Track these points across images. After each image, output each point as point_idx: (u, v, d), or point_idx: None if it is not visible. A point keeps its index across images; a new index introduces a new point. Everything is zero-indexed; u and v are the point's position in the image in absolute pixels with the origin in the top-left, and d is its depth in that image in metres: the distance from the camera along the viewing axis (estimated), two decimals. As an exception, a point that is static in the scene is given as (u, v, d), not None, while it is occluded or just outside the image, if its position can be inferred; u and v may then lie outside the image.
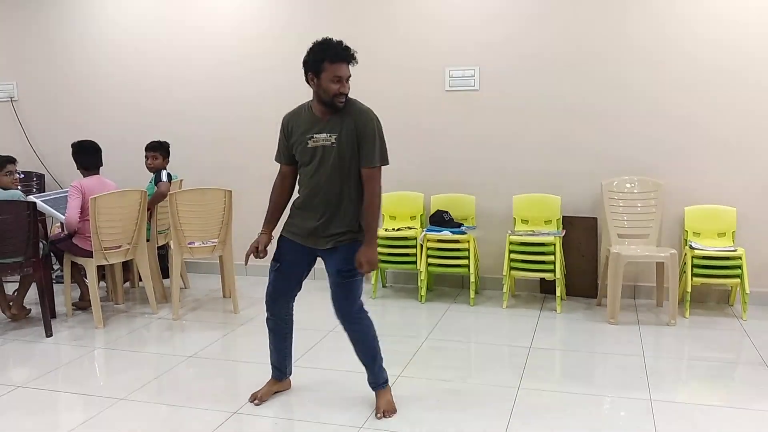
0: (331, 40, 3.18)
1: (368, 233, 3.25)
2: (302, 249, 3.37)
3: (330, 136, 3.20)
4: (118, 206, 5.00)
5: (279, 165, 3.46)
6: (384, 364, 3.51)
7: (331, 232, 3.28)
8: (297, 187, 3.44)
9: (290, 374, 3.74)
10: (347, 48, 3.15)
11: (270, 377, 3.70)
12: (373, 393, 3.53)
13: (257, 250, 3.44)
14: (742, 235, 5.19)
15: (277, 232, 3.49)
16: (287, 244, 3.41)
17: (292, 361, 3.74)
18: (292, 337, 3.65)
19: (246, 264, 3.49)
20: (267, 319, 3.55)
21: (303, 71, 3.21)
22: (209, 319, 5.20)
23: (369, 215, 3.25)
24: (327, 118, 3.22)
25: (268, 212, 3.51)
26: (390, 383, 3.56)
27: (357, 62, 3.18)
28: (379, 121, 3.26)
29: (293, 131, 3.31)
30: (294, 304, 3.56)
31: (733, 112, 5.20)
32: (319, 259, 3.44)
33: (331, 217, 3.27)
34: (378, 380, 3.51)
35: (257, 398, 3.60)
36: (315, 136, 3.22)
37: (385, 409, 3.44)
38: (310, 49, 3.18)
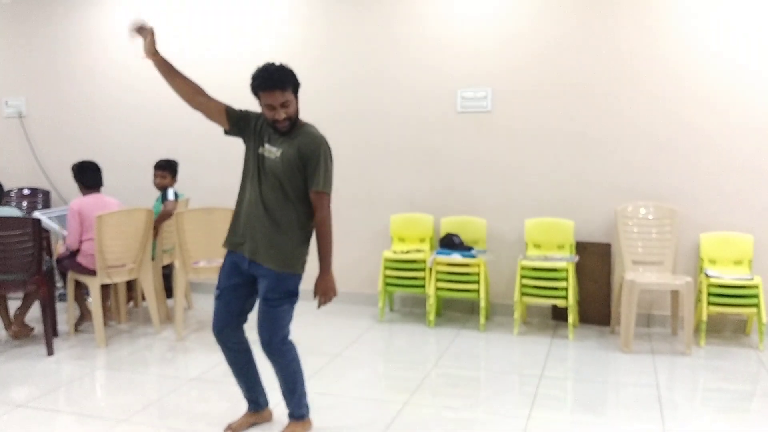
0: (263, 68, 3.09)
1: (323, 261, 3.16)
2: (242, 267, 3.24)
3: (276, 151, 3.14)
4: (124, 224, 4.95)
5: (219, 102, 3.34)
6: (380, 394, 3.36)
7: (273, 245, 3.15)
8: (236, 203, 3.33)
9: (266, 405, 3.56)
10: (274, 74, 3.06)
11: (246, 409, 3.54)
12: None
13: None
14: (759, 263, 5.08)
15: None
16: (228, 264, 3.32)
17: (265, 391, 3.55)
18: (254, 366, 3.46)
19: None
20: (220, 349, 3.43)
21: None
22: (212, 340, 5.08)
23: (320, 242, 3.16)
24: (280, 134, 3.16)
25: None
26: (397, 410, 3.44)
27: (293, 85, 3.10)
28: (329, 148, 3.19)
29: (255, 127, 3.24)
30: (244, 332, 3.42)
31: (750, 137, 5.12)
32: None
33: (271, 231, 3.15)
34: (294, 411, 3.39)
35: (231, 429, 3.44)
36: (266, 145, 3.18)
37: None
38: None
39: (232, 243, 3.28)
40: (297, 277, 3.22)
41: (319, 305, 3.23)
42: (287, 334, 3.27)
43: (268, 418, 3.56)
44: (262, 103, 3.09)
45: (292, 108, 3.11)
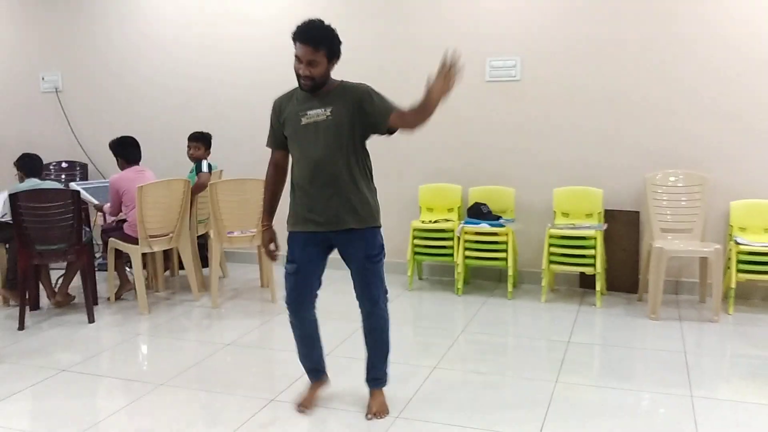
0: (307, 20, 3.03)
1: (421, 102, 2.96)
2: (316, 241, 3.19)
3: (325, 110, 3.07)
4: (163, 195, 5.10)
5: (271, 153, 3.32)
6: (409, 359, 3.40)
7: (352, 205, 3.11)
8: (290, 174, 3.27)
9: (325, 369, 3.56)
10: (312, 30, 3.00)
11: (310, 383, 3.50)
12: (368, 391, 3.41)
13: (270, 252, 3.32)
14: (789, 231, 5.05)
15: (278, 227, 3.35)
16: (299, 239, 3.22)
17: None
18: (320, 335, 3.45)
19: (274, 260, 3.39)
20: (293, 326, 3.37)
21: None
22: (247, 308, 5.25)
23: (415, 106, 2.99)
24: (319, 96, 3.09)
25: (265, 203, 3.35)
26: (425, 375, 3.53)
27: (328, 48, 3.00)
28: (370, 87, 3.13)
29: (284, 111, 3.19)
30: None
31: (783, 104, 5.06)
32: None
33: (342, 192, 3.09)
34: (383, 377, 3.39)
35: (305, 407, 3.40)
36: (308, 112, 3.09)
37: (378, 410, 3.33)
38: None
39: (303, 222, 3.19)
40: (380, 230, 3.22)
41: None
42: (387, 290, 3.31)
43: (327, 381, 3.54)
44: (295, 52, 3.03)
45: (318, 70, 3.00)
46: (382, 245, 3.23)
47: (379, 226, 3.22)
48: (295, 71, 3.06)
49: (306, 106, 3.11)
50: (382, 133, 3.13)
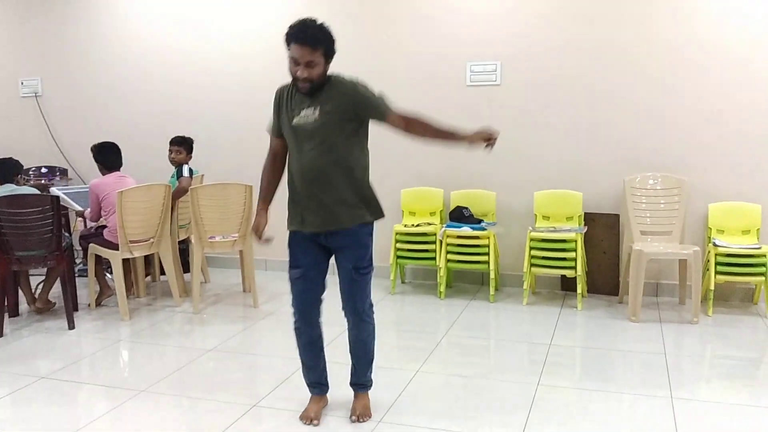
0: (302, 20, 2.95)
1: (445, 131, 3.07)
2: (316, 242, 3.15)
3: (314, 111, 3.01)
4: (144, 200, 5.07)
5: (269, 140, 3.29)
6: (392, 363, 3.37)
7: (345, 204, 3.09)
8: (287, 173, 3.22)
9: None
10: (309, 29, 2.92)
11: (311, 396, 3.41)
12: (352, 394, 3.41)
13: (257, 233, 3.26)
14: (766, 233, 5.12)
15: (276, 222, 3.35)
16: (299, 240, 3.18)
17: None
18: (323, 344, 3.38)
19: (260, 240, 3.31)
20: (300, 332, 3.28)
21: None
22: (229, 313, 5.24)
23: (431, 126, 3.06)
24: (311, 95, 3.03)
25: (261, 191, 3.29)
26: (408, 378, 3.54)
27: (326, 48, 2.95)
28: (365, 83, 3.07)
29: (281, 104, 3.15)
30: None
31: (759, 108, 5.13)
32: None
33: (334, 192, 3.06)
34: (367, 382, 3.39)
35: (314, 419, 3.31)
36: (300, 112, 3.04)
37: (362, 413, 3.32)
38: None
39: (300, 222, 3.14)
40: (370, 235, 3.19)
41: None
42: (372, 303, 3.29)
43: (326, 400, 3.47)
44: (289, 54, 2.94)
45: (317, 71, 2.94)
46: (371, 257, 3.20)
47: (369, 222, 3.17)
48: (292, 74, 2.98)
49: (298, 106, 3.07)
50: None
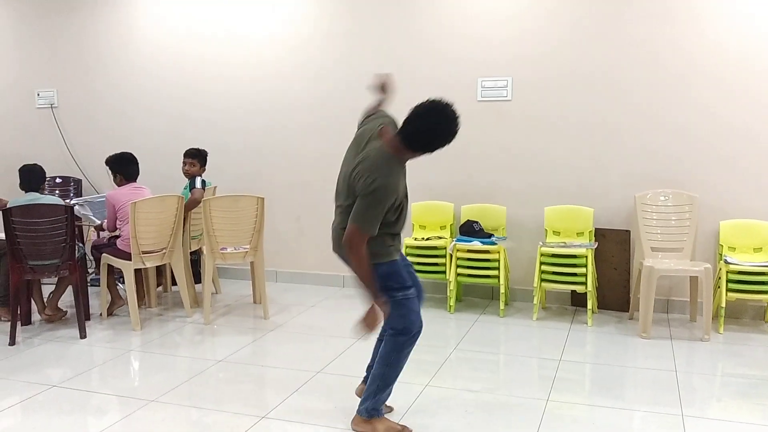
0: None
1: (364, 277, 3.08)
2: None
3: None
4: (157, 211, 5.11)
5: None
6: (401, 377, 3.34)
7: None
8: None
9: None
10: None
11: (383, 415, 3.42)
12: (392, 407, 3.48)
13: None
14: (779, 251, 5.10)
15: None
16: (399, 265, 3.25)
17: None
18: None
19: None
20: (409, 348, 3.32)
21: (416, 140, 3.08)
22: (240, 324, 5.25)
23: (358, 264, 3.08)
24: None
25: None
26: (417, 392, 3.53)
27: None
28: (377, 183, 2.98)
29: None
30: None
31: (771, 125, 5.13)
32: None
33: None
34: (362, 410, 3.35)
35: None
36: None
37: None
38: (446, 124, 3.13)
39: (396, 251, 3.26)
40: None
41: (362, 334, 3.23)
42: (412, 329, 3.30)
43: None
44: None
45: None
46: (385, 286, 3.15)
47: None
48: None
49: None
50: None
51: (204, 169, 5.75)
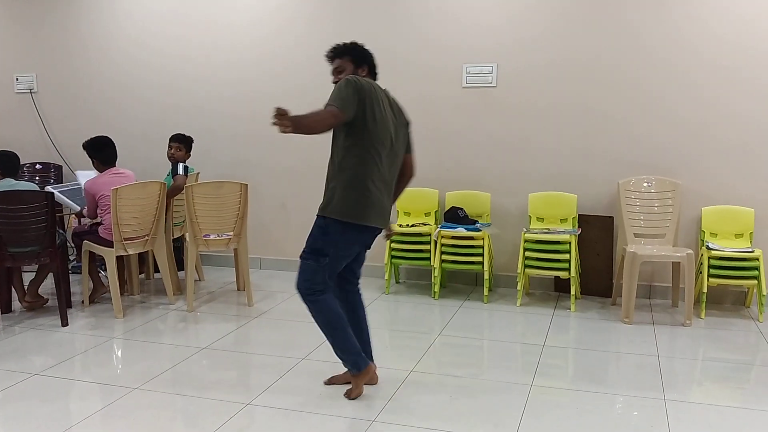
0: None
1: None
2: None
3: None
4: (139, 197, 5.06)
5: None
6: (385, 363, 3.46)
7: (325, 192, 3.45)
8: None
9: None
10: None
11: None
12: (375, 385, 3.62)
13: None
14: (759, 237, 5.15)
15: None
16: (349, 243, 3.56)
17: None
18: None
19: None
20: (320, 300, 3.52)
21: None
22: (223, 311, 5.23)
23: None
24: None
25: None
26: (401, 378, 3.55)
27: (329, 58, 3.58)
28: (351, 80, 3.28)
29: None
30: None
31: (752, 113, 5.16)
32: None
33: (327, 181, 3.47)
34: (341, 361, 3.59)
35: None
36: None
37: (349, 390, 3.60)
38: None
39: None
40: (324, 225, 3.39)
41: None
42: (314, 288, 3.43)
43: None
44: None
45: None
46: (314, 249, 3.37)
47: (322, 216, 3.36)
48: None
49: None
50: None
51: (189, 155, 5.70)
